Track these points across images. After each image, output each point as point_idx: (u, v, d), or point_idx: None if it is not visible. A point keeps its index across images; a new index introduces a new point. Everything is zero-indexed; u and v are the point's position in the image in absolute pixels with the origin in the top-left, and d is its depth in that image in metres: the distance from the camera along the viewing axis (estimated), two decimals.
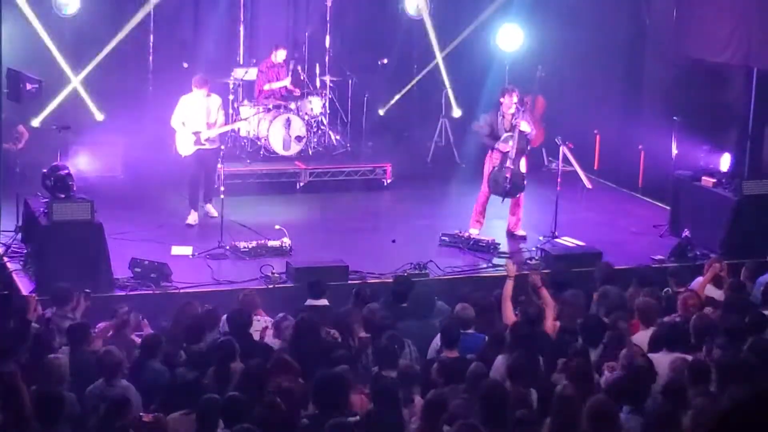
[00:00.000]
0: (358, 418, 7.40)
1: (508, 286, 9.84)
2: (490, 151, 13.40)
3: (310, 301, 10.13)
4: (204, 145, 13.36)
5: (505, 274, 10.09)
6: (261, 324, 9.62)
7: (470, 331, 9.28)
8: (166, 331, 9.42)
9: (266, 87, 16.15)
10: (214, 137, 13.50)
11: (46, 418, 7.38)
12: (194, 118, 13.40)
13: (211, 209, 13.58)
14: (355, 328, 9.28)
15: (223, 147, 13.30)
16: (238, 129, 15.30)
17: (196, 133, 13.35)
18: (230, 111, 15.82)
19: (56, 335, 8.99)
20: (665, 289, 10.59)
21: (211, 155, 13.46)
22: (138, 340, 9.25)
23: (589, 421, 6.96)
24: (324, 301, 10.14)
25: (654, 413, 7.18)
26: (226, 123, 13.92)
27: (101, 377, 8.15)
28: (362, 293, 10.07)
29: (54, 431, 7.38)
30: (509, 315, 9.59)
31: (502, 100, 13.25)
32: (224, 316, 9.49)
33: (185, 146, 13.48)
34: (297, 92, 16.33)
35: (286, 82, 16.20)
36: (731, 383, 7.62)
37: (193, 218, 13.46)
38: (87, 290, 9.98)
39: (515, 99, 13.17)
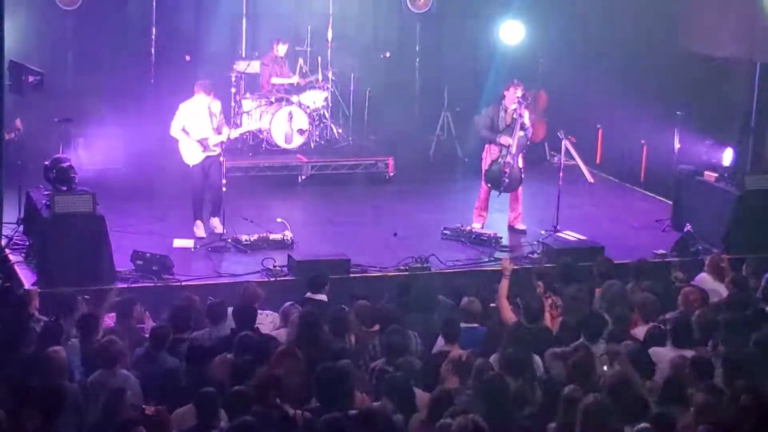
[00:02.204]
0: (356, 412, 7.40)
1: (504, 286, 9.80)
2: (487, 145, 13.39)
3: (309, 294, 10.14)
4: (213, 151, 12.83)
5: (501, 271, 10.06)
6: (266, 318, 9.63)
7: (475, 325, 9.28)
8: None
9: (273, 80, 16.10)
10: (223, 143, 12.96)
11: (48, 410, 7.37)
12: (199, 124, 12.82)
13: (218, 224, 12.89)
14: (353, 327, 9.28)
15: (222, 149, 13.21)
16: (241, 124, 15.22)
17: (204, 140, 12.83)
18: (232, 104, 15.82)
19: (64, 329, 8.97)
20: (674, 282, 10.59)
21: (217, 163, 12.93)
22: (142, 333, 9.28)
23: (584, 420, 6.96)
24: (323, 297, 10.13)
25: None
26: (228, 125, 13.56)
27: (102, 367, 8.16)
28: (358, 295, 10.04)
29: (56, 423, 7.38)
30: (507, 314, 9.56)
31: (506, 93, 13.22)
32: (230, 309, 9.48)
33: (192, 155, 12.89)
34: (302, 83, 16.31)
35: (294, 79, 16.14)
36: (737, 378, 7.62)
37: (200, 230, 12.93)
38: (86, 297, 9.92)
39: (519, 93, 13.15)
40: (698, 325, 8.99)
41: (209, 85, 12.98)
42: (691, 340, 8.78)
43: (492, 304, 9.94)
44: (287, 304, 9.67)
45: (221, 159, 13.04)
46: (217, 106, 13.07)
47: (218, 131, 12.90)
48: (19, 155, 12.77)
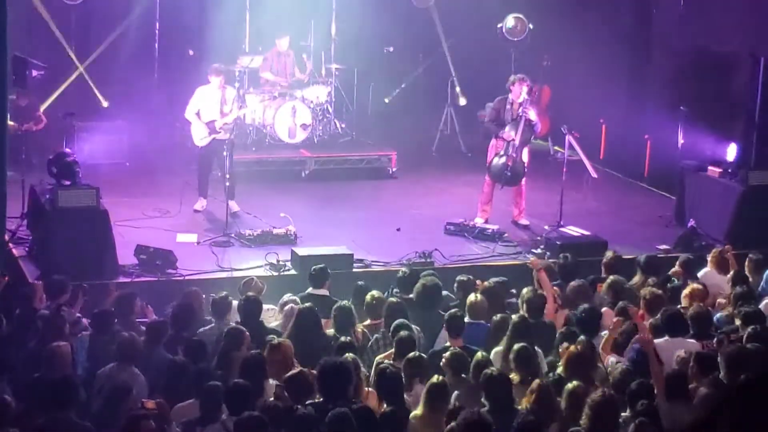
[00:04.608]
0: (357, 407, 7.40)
1: (545, 281, 9.77)
2: (494, 139, 13.40)
3: (311, 290, 10.15)
4: (219, 133, 13.18)
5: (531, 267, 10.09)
6: (267, 313, 9.64)
7: (480, 321, 9.28)
8: (169, 318, 9.43)
9: (262, 75, 16.10)
10: (229, 125, 13.33)
11: (59, 400, 7.36)
12: (209, 108, 13.26)
13: (234, 205, 13.24)
14: (355, 324, 9.28)
15: (232, 137, 13.28)
16: (243, 116, 15.27)
17: (211, 122, 13.20)
18: None
19: (66, 323, 8.98)
20: (671, 279, 10.57)
21: (225, 146, 13.16)
22: (142, 327, 9.28)
23: (590, 417, 6.95)
24: (324, 291, 10.14)
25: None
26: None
27: (117, 361, 8.17)
28: (364, 290, 10.03)
29: (67, 415, 7.36)
30: (551, 309, 9.52)
31: (512, 88, 13.21)
32: (235, 303, 9.49)
33: (200, 137, 13.32)
34: (304, 78, 16.29)
35: (284, 82, 16.11)
36: (739, 374, 7.62)
37: (200, 204, 13.42)
38: (84, 284, 9.95)
39: (525, 89, 13.14)
40: (693, 318, 8.99)
41: (217, 68, 13.41)
42: (685, 330, 8.78)
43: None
44: (287, 297, 9.69)
45: (224, 153, 13.04)
46: (231, 92, 13.47)
47: (226, 117, 13.21)
48: (22, 149, 12.79)
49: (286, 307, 9.51)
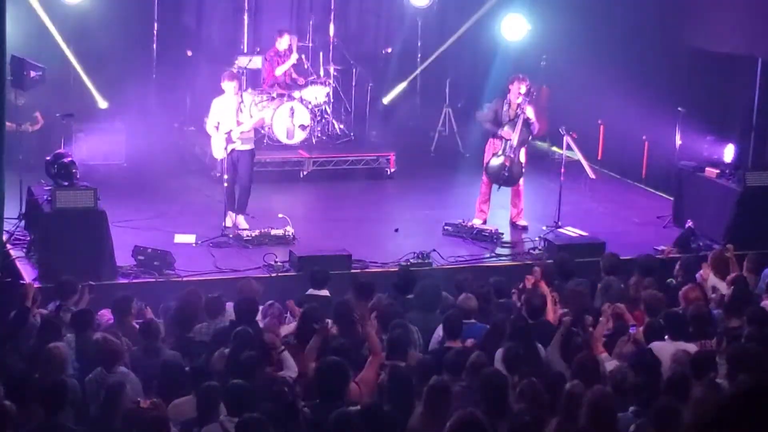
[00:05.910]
0: (359, 407, 7.40)
1: (544, 290, 9.78)
2: (491, 139, 13.40)
3: (311, 291, 10.15)
4: (235, 143, 12.78)
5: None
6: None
7: (471, 321, 9.29)
8: (169, 317, 9.43)
9: (278, 72, 15.98)
10: (246, 136, 12.91)
11: (50, 405, 7.38)
12: (227, 119, 12.80)
13: (242, 221, 12.98)
14: (358, 318, 9.28)
15: (253, 147, 13.18)
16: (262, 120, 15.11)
17: (228, 133, 12.77)
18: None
19: (65, 324, 8.99)
20: (668, 280, 10.58)
21: (244, 157, 12.95)
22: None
23: (589, 414, 6.96)
24: (325, 292, 10.14)
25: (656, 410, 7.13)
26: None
27: (100, 365, 8.17)
28: (360, 284, 10.03)
29: (58, 418, 7.39)
30: (551, 310, 9.53)
31: (511, 87, 13.20)
32: (231, 304, 9.49)
33: (219, 149, 12.91)
34: (301, 81, 16.29)
35: (293, 59, 16.01)
36: (741, 373, 7.62)
37: (230, 221, 12.98)
38: (91, 282, 9.96)
39: (523, 89, 13.14)
40: (693, 318, 9.01)
41: (230, 73, 13.15)
42: (686, 333, 8.79)
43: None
44: (267, 303, 9.68)
45: (226, 151, 12.93)
46: (247, 99, 13.22)
47: (241, 125, 12.90)
48: (20, 150, 12.79)
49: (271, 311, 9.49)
